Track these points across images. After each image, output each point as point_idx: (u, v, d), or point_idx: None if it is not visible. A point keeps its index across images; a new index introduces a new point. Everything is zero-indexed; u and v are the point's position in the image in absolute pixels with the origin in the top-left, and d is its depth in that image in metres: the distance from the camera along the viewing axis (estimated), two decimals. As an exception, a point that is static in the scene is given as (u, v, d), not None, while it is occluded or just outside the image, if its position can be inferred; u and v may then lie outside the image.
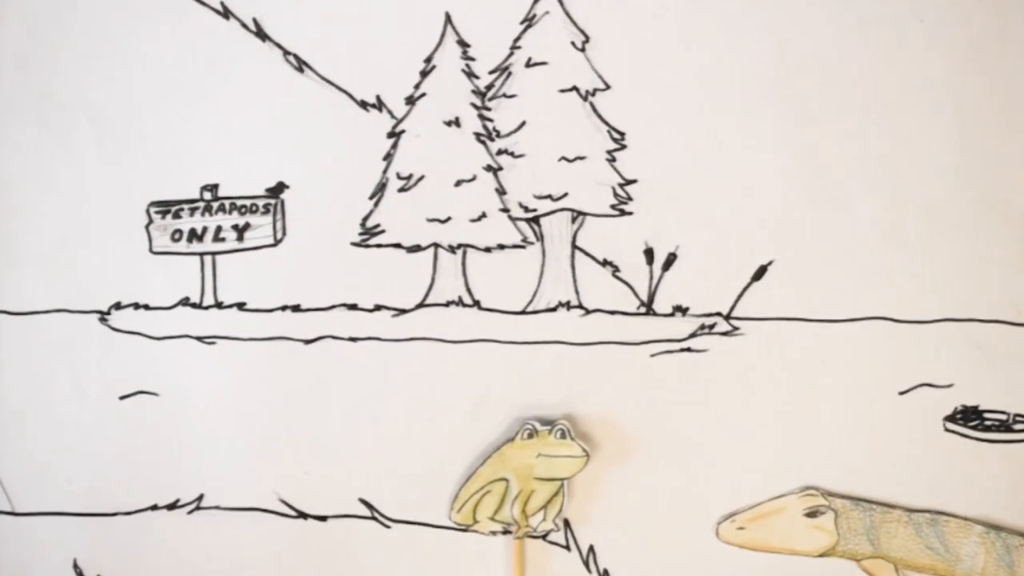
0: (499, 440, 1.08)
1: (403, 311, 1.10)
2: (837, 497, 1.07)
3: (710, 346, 1.09)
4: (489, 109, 1.11)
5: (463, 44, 1.10)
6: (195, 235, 1.11)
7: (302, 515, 1.10)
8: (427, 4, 1.10)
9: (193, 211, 1.11)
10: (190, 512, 1.10)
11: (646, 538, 1.09)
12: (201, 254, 1.12)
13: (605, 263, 1.10)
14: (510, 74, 1.11)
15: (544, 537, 1.08)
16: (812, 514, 1.06)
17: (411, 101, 1.11)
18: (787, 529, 1.06)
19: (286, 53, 1.11)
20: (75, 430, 1.11)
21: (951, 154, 1.08)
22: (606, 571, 1.09)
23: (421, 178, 1.10)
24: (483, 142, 1.11)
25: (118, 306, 1.11)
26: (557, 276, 1.10)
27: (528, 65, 1.10)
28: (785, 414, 1.08)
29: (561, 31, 1.10)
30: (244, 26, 1.11)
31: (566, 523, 1.08)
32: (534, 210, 1.10)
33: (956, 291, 1.08)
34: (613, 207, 1.10)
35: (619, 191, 1.10)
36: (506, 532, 1.07)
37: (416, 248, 1.10)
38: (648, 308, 1.09)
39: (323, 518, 1.10)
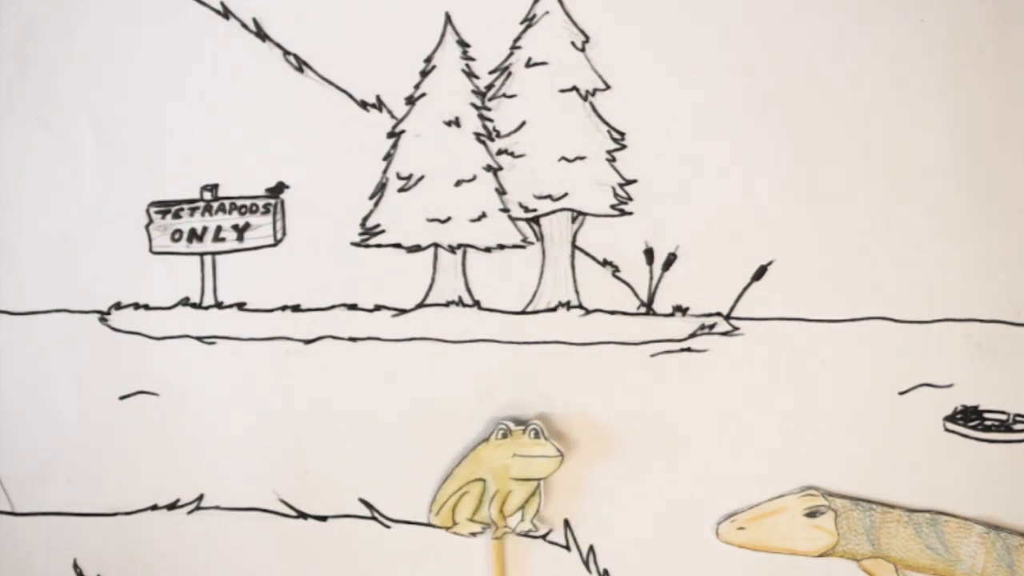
0: (498, 440, 1.08)
1: (403, 311, 1.10)
2: (837, 497, 1.07)
3: (710, 346, 1.09)
4: (489, 109, 1.11)
5: (463, 44, 1.10)
6: (195, 235, 1.11)
7: (302, 515, 1.10)
8: (427, 4, 1.10)
9: (193, 211, 1.11)
10: (190, 512, 1.10)
11: (646, 538, 1.09)
12: (201, 254, 1.12)
13: (605, 263, 1.10)
14: (510, 74, 1.11)
15: (545, 536, 1.08)
16: (812, 514, 1.06)
17: (411, 101, 1.11)
18: (787, 529, 1.06)
19: (286, 53, 1.11)
20: (75, 430, 1.11)
21: (951, 154, 1.08)
22: (606, 571, 1.09)
23: (421, 178, 1.10)
24: (483, 142, 1.11)
25: (118, 306, 1.11)
26: (557, 276, 1.10)
27: (528, 65, 1.10)
28: (785, 414, 1.08)
29: (561, 31, 1.10)
30: (244, 26, 1.11)
31: (566, 523, 1.08)
32: (534, 210, 1.10)
33: (956, 291, 1.08)
34: (613, 207, 1.10)
35: (619, 191, 1.10)
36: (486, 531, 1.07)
37: (416, 248, 1.10)
38: (648, 308, 1.10)
39: (323, 518, 1.10)
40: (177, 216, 1.11)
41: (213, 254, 1.12)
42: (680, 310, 1.09)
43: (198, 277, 1.11)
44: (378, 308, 1.10)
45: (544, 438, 1.04)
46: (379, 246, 1.10)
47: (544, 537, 1.08)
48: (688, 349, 1.09)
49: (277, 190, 1.11)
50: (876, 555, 1.06)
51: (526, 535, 1.07)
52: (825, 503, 1.06)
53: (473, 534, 1.07)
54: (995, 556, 1.05)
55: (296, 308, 1.10)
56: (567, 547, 1.08)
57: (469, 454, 1.07)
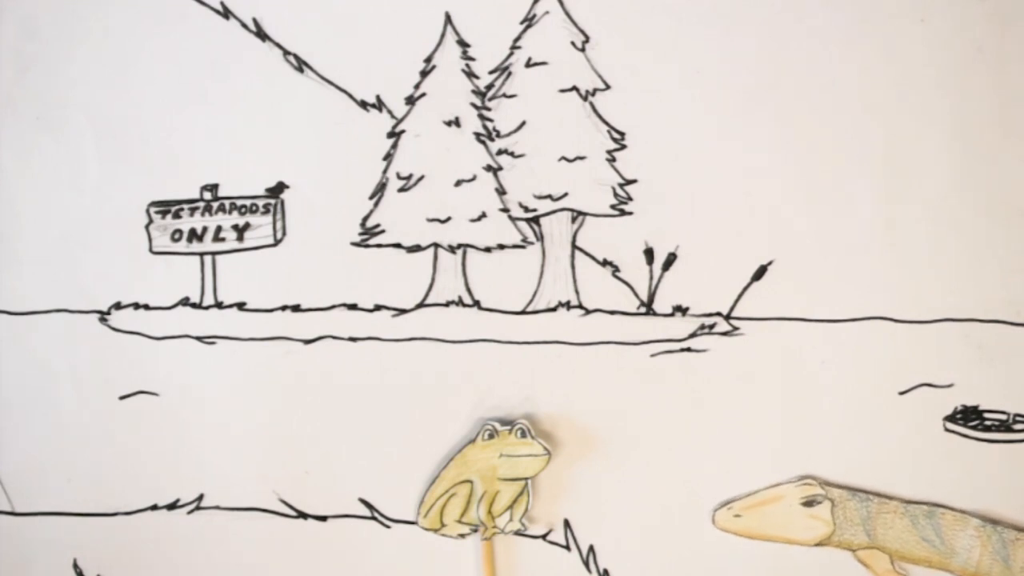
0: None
1: (403, 311, 1.10)
2: (834, 487, 1.07)
3: (710, 346, 1.09)
4: (489, 109, 1.11)
5: (463, 44, 1.10)
6: (195, 235, 1.11)
7: (302, 515, 1.10)
8: (427, 4, 1.10)
9: (193, 211, 1.11)
10: (190, 512, 1.10)
11: (646, 538, 1.09)
12: (201, 254, 1.11)
13: (605, 263, 1.10)
14: (510, 74, 1.11)
15: (544, 536, 1.08)
16: (809, 503, 1.06)
17: (411, 101, 1.10)
18: (783, 517, 1.06)
19: (286, 53, 1.11)
20: (75, 430, 1.11)
21: (951, 154, 1.08)
22: (606, 571, 1.09)
23: (421, 178, 1.10)
24: (483, 142, 1.11)
25: (118, 306, 1.11)
26: (557, 276, 1.10)
27: (528, 65, 1.10)
28: (785, 415, 1.08)
29: (561, 31, 1.10)
30: (244, 26, 1.11)
31: (566, 523, 1.09)
32: (534, 210, 1.10)
33: (956, 291, 1.08)
34: (613, 207, 1.10)
35: (619, 191, 1.10)
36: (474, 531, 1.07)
37: (416, 248, 1.10)
38: (648, 308, 1.10)
39: (323, 518, 1.10)
40: (177, 216, 1.11)
41: (213, 254, 1.12)
42: (680, 310, 1.09)
43: (198, 277, 1.11)
44: (378, 308, 1.10)
45: (531, 437, 1.04)
46: (379, 246, 1.10)
47: (544, 537, 1.08)
48: (688, 349, 1.09)
49: (277, 190, 1.11)
50: (872, 546, 1.06)
51: (517, 534, 1.07)
52: (822, 492, 1.06)
53: (462, 535, 1.07)
54: (991, 549, 1.05)
55: (296, 308, 1.10)
56: (567, 547, 1.09)
57: (455, 456, 1.07)
